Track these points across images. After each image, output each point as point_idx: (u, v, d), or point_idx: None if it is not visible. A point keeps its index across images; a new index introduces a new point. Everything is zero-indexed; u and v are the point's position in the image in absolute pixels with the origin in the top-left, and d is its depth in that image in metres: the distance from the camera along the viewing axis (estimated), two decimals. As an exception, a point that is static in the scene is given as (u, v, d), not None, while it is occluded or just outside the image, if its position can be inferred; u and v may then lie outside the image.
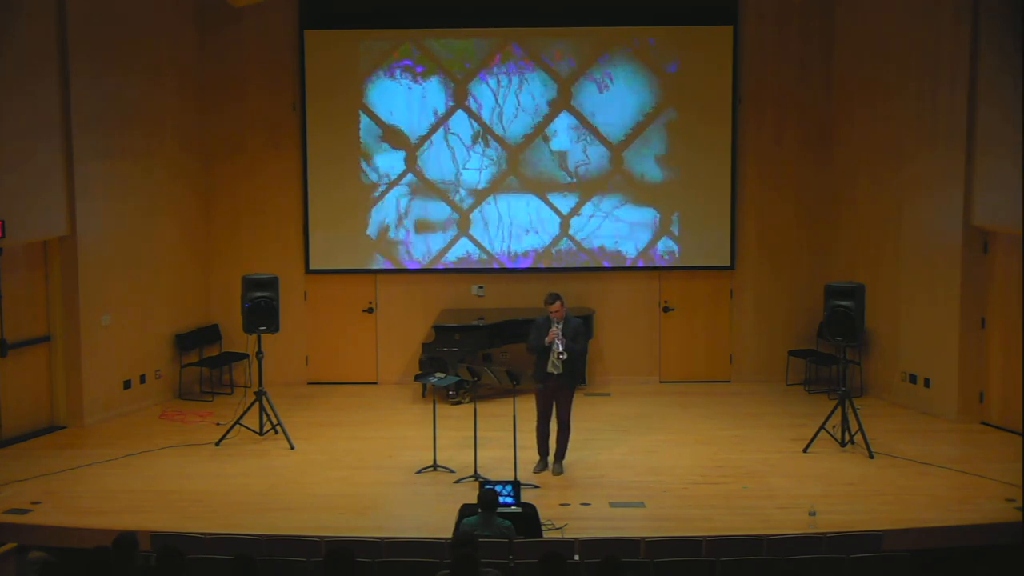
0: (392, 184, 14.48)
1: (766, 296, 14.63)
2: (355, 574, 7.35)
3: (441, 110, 14.39)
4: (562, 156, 14.44)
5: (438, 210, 14.51)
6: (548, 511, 9.99)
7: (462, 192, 14.48)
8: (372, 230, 14.54)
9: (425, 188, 14.47)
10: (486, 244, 14.55)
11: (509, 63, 14.32)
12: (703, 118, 14.38)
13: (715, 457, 11.80)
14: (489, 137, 14.40)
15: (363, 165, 14.47)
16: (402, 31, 14.28)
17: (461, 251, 14.56)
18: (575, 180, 14.46)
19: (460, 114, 14.40)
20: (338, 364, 14.74)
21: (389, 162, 14.46)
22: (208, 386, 14.14)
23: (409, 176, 14.46)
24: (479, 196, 14.48)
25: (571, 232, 14.53)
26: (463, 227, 14.53)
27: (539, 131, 14.40)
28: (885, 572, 8.30)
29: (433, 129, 14.40)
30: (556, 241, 14.54)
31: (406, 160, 14.45)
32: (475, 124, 14.38)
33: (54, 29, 12.26)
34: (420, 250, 14.57)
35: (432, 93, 14.37)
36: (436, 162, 14.45)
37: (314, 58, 14.31)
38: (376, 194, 14.49)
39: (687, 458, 11.79)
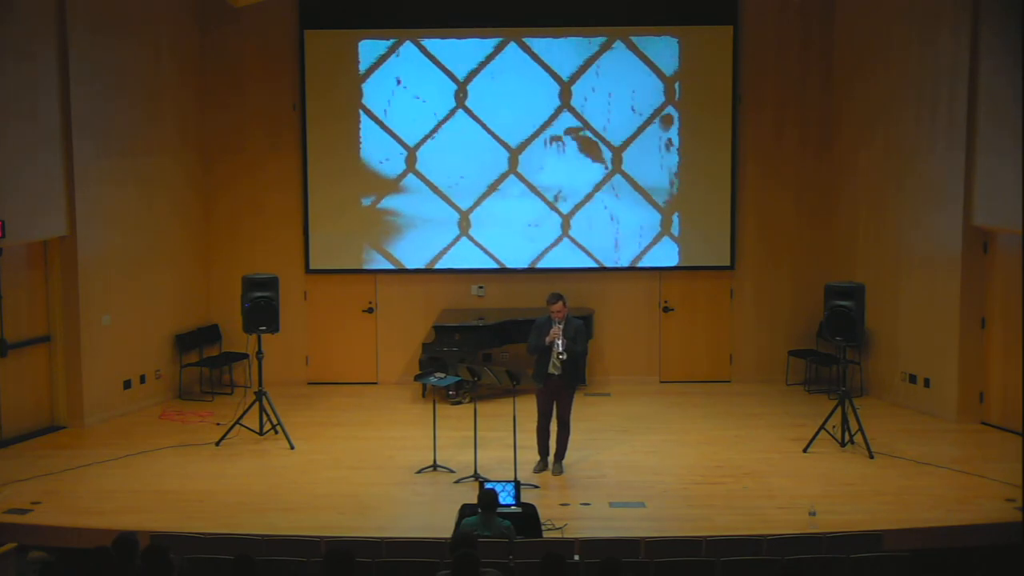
0: (392, 184, 14.48)
1: (766, 296, 14.63)
2: (355, 574, 7.35)
3: (441, 111, 14.39)
4: (562, 156, 14.44)
5: (438, 210, 14.51)
6: (548, 511, 9.99)
7: (462, 192, 14.49)
8: (372, 230, 14.54)
9: (425, 188, 14.47)
10: (486, 244, 14.55)
11: (509, 63, 14.33)
12: (703, 118, 14.37)
13: (715, 457, 11.79)
14: (489, 137, 14.41)
15: (363, 165, 14.47)
16: (402, 31, 14.29)
17: (461, 251, 14.56)
18: (575, 180, 14.45)
19: (460, 114, 14.40)
20: (338, 364, 14.74)
21: (389, 162, 14.47)
22: (208, 386, 14.14)
23: (409, 176, 14.46)
24: (479, 196, 14.49)
25: (571, 232, 14.53)
26: (463, 227, 14.53)
27: (539, 131, 14.40)
28: (885, 572, 8.31)
29: (433, 129, 14.40)
30: (556, 241, 14.54)
31: (406, 160, 14.44)
32: (475, 124, 14.38)
33: (54, 28, 12.25)
34: (420, 250, 14.57)
35: (432, 93, 14.38)
36: (436, 162, 14.45)
37: (314, 58, 14.31)
38: (376, 194, 14.49)
39: (687, 458, 11.79)
